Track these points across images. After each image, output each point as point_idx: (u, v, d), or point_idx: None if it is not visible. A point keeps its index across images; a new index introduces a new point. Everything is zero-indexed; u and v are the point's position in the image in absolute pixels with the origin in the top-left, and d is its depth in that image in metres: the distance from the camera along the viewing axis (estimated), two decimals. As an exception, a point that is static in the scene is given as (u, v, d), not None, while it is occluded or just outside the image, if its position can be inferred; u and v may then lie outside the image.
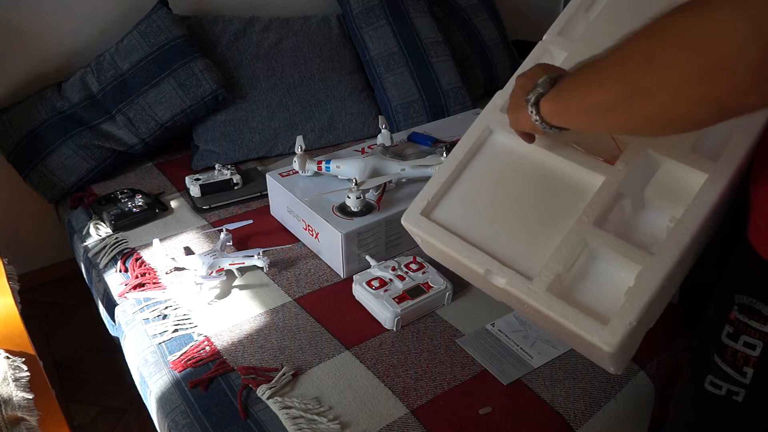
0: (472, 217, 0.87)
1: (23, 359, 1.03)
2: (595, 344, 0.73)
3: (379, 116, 1.56)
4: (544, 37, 0.97)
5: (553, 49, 0.96)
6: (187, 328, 1.14)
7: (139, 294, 1.23)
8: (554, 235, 0.81)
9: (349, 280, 1.23)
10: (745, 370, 0.74)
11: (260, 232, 1.42)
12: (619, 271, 0.77)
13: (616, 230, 0.79)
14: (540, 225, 0.83)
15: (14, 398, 0.98)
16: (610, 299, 0.76)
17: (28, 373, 1.02)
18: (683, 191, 0.77)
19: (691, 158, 0.79)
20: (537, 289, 0.78)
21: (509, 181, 0.88)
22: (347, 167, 1.37)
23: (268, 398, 0.99)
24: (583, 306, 0.76)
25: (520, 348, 1.09)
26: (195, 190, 1.52)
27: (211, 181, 1.53)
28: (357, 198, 1.25)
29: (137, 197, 1.49)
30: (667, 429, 0.90)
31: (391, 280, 1.18)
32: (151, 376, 1.07)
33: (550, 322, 0.80)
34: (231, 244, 1.35)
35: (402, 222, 0.91)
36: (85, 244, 1.43)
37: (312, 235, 1.32)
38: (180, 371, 1.05)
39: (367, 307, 1.17)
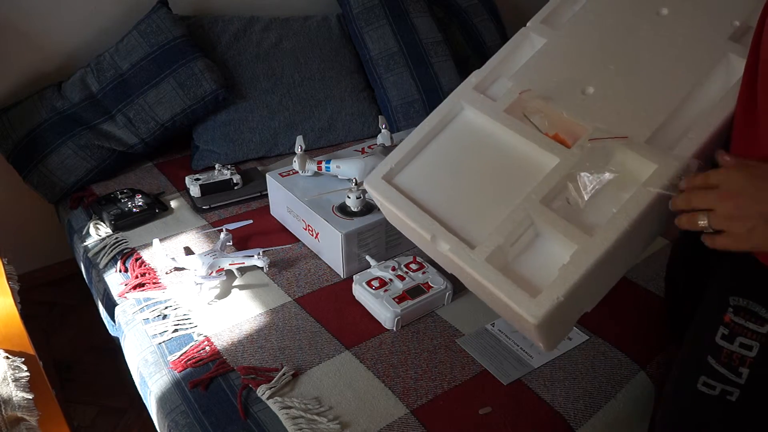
0: (430, 186, 0.91)
1: (23, 359, 1.03)
2: (522, 315, 0.76)
3: (379, 116, 1.57)
4: (527, 24, 0.99)
5: (534, 36, 0.98)
6: (187, 328, 1.14)
7: (139, 294, 1.23)
8: (503, 209, 0.84)
9: (349, 280, 1.23)
10: (741, 370, 0.74)
11: (260, 232, 1.42)
12: (559, 249, 0.80)
13: (566, 212, 0.81)
14: (492, 199, 0.87)
15: (14, 398, 0.98)
16: (546, 275, 0.79)
17: (27, 373, 1.02)
18: (633, 180, 0.80)
19: (644, 149, 0.81)
20: (476, 258, 0.81)
21: (472, 155, 0.92)
22: (347, 167, 1.37)
23: (268, 398, 0.99)
24: (518, 278, 0.79)
25: (520, 348, 1.09)
26: (195, 190, 1.52)
27: (211, 181, 1.53)
28: (357, 198, 1.25)
29: (137, 197, 1.49)
30: (657, 430, 0.89)
31: (391, 280, 1.18)
32: (151, 376, 1.07)
33: (487, 292, 0.82)
34: (231, 244, 1.35)
35: (363, 184, 0.95)
36: (85, 244, 1.43)
37: (312, 235, 1.32)
38: (180, 371, 1.05)
39: (367, 307, 1.17)
